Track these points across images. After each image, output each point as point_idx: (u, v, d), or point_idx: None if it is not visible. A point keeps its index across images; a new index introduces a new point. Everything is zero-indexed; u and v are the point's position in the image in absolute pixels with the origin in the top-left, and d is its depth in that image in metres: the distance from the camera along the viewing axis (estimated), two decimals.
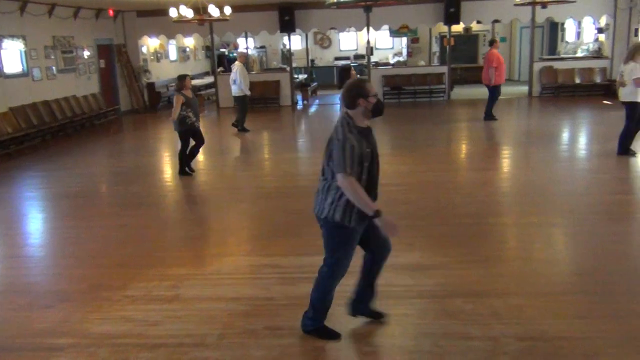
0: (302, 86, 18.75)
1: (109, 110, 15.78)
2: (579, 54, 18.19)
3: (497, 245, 5.67)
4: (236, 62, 13.01)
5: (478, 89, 17.64)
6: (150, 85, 17.86)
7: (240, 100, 12.81)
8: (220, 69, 19.95)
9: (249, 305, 4.43)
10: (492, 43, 13.16)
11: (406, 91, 17.47)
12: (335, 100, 18.52)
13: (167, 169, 10.28)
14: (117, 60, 17.01)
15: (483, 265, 5.03)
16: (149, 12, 16.83)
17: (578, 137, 11.83)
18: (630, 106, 8.56)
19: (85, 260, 5.65)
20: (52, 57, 13.84)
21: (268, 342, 3.87)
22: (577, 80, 16.55)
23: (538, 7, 15.04)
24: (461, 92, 18.48)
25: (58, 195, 8.34)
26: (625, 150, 8.79)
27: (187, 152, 8.91)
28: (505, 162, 9.64)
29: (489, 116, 12.93)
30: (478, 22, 18.25)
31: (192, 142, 8.93)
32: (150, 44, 18.35)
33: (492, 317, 4.05)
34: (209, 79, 20.26)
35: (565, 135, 11.76)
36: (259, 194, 8.07)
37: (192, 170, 9.00)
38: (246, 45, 20.19)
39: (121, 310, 4.46)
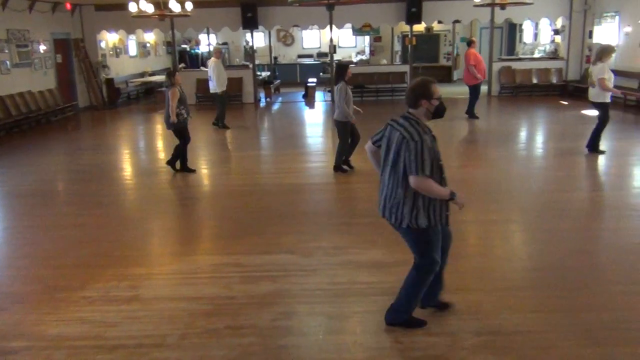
0: (265, 83, 18.66)
1: (66, 106, 15.37)
2: (536, 55, 18.65)
3: (456, 242, 5.68)
4: (211, 59, 12.84)
5: (441, 88, 17.87)
6: (109, 81, 17.48)
7: (217, 97, 12.70)
8: (182, 65, 19.69)
9: (210, 304, 4.39)
10: (470, 43, 13.36)
11: (369, 89, 17.58)
12: (298, 98, 18.53)
13: (127, 166, 10.09)
14: (74, 55, 16.58)
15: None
16: (108, 6, 16.46)
17: (535, 136, 12.13)
18: (600, 105, 8.75)
19: (41, 261, 5.50)
20: (6, 51, 13.39)
21: (229, 342, 3.85)
22: (535, 81, 16.96)
23: (497, 8, 15.33)
24: None
25: (12, 194, 8.09)
26: (594, 148, 9.00)
27: (173, 152, 8.77)
28: (465, 160, 9.80)
29: (471, 114, 13.19)
30: (439, 22, 18.51)
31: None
32: (109, 39, 17.96)
33: (451, 313, 4.12)
34: None
35: (523, 134, 12.03)
36: (221, 191, 8.00)
37: (175, 169, 8.83)
38: (208, 41, 19.97)
39: (78, 311, 4.37)
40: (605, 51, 8.53)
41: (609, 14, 15.38)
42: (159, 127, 13.96)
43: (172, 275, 5.03)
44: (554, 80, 17.07)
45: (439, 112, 3.61)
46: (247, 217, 6.66)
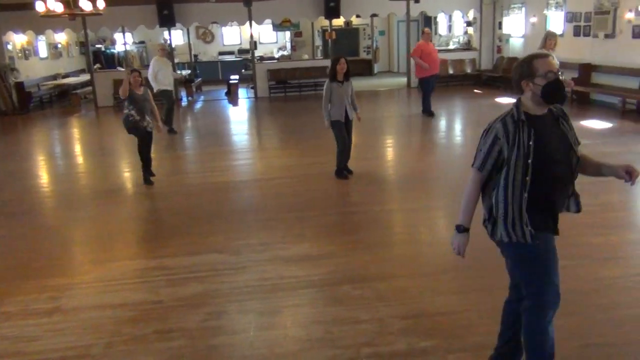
0: (186, 82, 18.30)
1: None
2: (451, 46, 19.32)
3: (382, 231, 5.91)
4: (155, 56, 12.07)
5: (362, 81, 18.23)
6: (19, 85, 16.54)
7: (163, 95, 11.76)
8: (97, 65, 18.96)
9: (136, 310, 4.29)
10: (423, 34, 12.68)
11: (291, 85, 17.62)
12: (221, 96, 18.30)
13: (42, 173, 9.63)
14: None
15: (369, 251, 5.23)
16: (13, 5, 15.55)
17: (454, 125, 12.59)
18: None
19: None
20: None
21: (157, 347, 3.78)
22: (451, 71, 17.56)
23: (412, 2, 15.79)
24: None
25: None
26: None
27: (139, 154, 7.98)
28: (389, 150, 10.04)
29: (428, 111, 12.38)
30: (358, 16, 18.79)
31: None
32: (16, 40, 17.01)
33: (378, 300, 4.23)
34: (85, 77, 19.17)
35: (442, 123, 12.44)
36: (144, 194, 7.79)
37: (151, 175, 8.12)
38: (124, 40, 19.33)
39: None
40: (546, 37, 8.74)
41: (516, 5, 16.17)
42: (76, 131, 13.44)
43: (95, 283, 4.86)
44: (469, 70, 17.76)
45: (548, 93, 2.73)
46: (172, 219, 6.54)
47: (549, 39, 8.81)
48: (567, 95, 2.30)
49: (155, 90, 11.51)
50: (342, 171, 7.70)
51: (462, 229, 3.00)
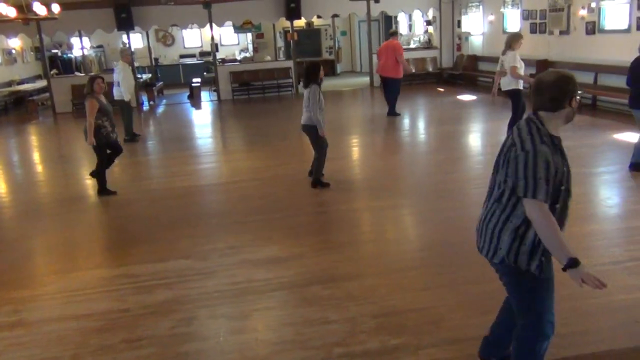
0: (147, 86, 18.02)
1: None
2: (412, 45, 19.53)
3: (349, 230, 5.93)
4: (119, 62, 11.44)
5: (324, 81, 18.22)
6: None
7: (124, 105, 11.20)
8: (54, 71, 18.50)
9: (103, 320, 4.20)
10: (394, 34, 12.62)
11: (255, 87, 17.53)
12: (184, 99, 18.08)
13: (0, 183, 9.34)
14: None
15: (338, 251, 5.24)
16: None
17: (418, 123, 12.72)
18: (512, 93, 8.84)
19: None
20: None
21: (127, 356, 3.71)
22: (413, 70, 17.75)
23: (372, 2, 15.90)
24: None
25: None
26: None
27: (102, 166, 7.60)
28: (354, 150, 10.09)
29: (394, 112, 12.32)
30: (319, 16, 18.81)
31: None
32: None
33: (348, 300, 4.24)
34: (42, 83, 18.68)
35: (406, 122, 12.56)
36: (106, 201, 7.62)
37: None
38: (81, 44, 18.88)
39: None
40: (514, 39, 8.69)
41: (473, 4, 16.47)
42: (34, 139, 13.09)
43: (58, 294, 4.73)
44: (430, 68, 17.99)
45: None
46: (136, 226, 6.42)
47: (518, 39, 8.73)
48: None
49: (127, 98, 11.14)
50: (322, 181, 7.30)
51: (578, 261, 2.54)
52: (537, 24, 13.46)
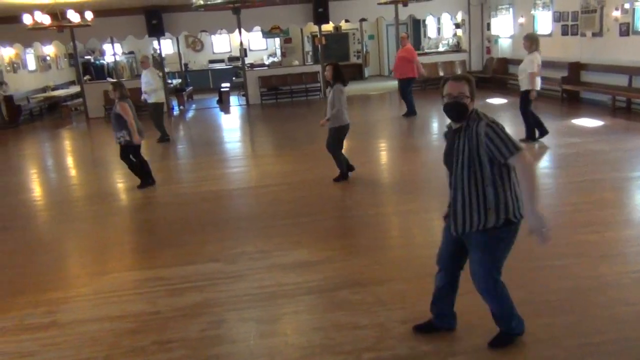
0: (177, 91, 18.27)
1: None
2: (441, 49, 19.40)
3: (377, 234, 5.91)
4: (144, 70, 11.78)
5: (352, 85, 18.19)
6: (8, 99, 16.46)
7: (157, 108, 11.80)
8: (87, 77, 18.89)
9: (135, 322, 4.26)
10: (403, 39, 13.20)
11: (283, 91, 17.63)
12: (213, 104, 18.27)
13: (35, 187, 9.56)
14: None
15: (366, 255, 5.22)
16: (0, 19, 15.51)
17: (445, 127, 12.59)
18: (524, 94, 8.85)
19: None
20: None
21: (157, 358, 3.75)
22: (441, 73, 17.61)
23: (400, 5, 15.82)
24: None
25: None
26: (545, 131, 9.04)
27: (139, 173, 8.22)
28: (382, 154, 10.05)
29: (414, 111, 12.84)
30: (346, 21, 18.85)
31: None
32: (3, 53, 16.93)
33: (378, 304, 4.22)
34: (75, 89, 19.10)
35: (435, 125, 12.47)
36: (138, 205, 7.76)
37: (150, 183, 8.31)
38: (113, 51, 19.26)
39: None
40: (538, 40, 8.75)
41: (503, 6, 16.27)
42: (67, 143, 13.37)
43: (91, 296, 4.82)
44: (459, 71, 17.81)
45: (446, 111, 3.31)
46: (167, 229, 6.50)
47: (524, 41, 8.86)
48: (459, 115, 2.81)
49: (161, 101, 11.81)
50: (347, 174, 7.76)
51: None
52: (569, 25, 13.23)
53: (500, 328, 3.55)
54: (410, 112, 12.80)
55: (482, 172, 3.16)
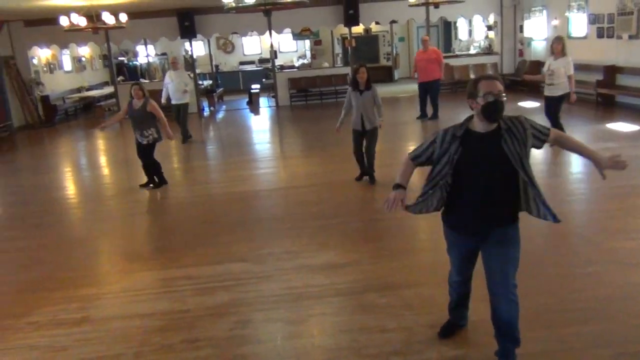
0: (208, 92, 18.47)
1: None
2: (472, 51, 19.20)
3: (406, 238, 5.88)
4: (175, 71, 11.99)
5: (382, 87, 18.16)
6: (45, 99, 16.90)
7: (185, 108, 12.09)
8: (121, 78, 19.24)
9: (164, 319, 4.32)
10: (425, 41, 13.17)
11: (312, 93, 17.67)
12: (243, 105, 18.42)
13: (69, 185, 9.78)
14: (5, 73, 15.94)
15: (394, 259, 5.20)
16: (38, 21, 15.92)
17: None
18: (562, 98, 8.75)
19: None
20: None
21: (186, 356, 3.80)
22: (472, 76, 17.42)
23: (431, 8, 15.72)
24: None
25: None
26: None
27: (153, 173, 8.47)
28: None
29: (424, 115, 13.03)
30: (377, 23, 18.78)
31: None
32: (41, 54, 17.37)
33: (405, 308, 4.20)
34: (109, 89, 19.48)
35: None
36: (168, 205, 7.87)
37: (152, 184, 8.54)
38: (146, 52, 19.59)
39: (25, 338, 4.21)
40: (552, 43, 8.73)
41: (536, 9, 16.02)
42: (101, 143, 13.63)
43: (122, 293, 4.91)
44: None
45: (486, 112, 3.07)
46: (196, 229, 6.58)
47: (554, 44, 8.73)
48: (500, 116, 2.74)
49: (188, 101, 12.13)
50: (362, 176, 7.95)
51: (397, 186, 3.34)
52: (605, 28, 12.94)
53: (504, 344, 3.36)
54: (434, 115, 12.90)
55: (528, 167, 3.13)
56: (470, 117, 3.19)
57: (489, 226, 3.23)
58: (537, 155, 9.01)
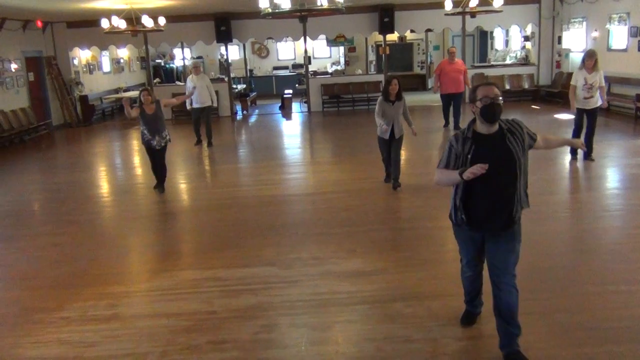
0: (241, 96, 18.67)
1: (39, 124, 15.18)
2: (508, 61, 18.95)
3: (434, 248, 5.82)
4: (198, 75, 12.18)
5: (415, 96, 18.10)
6: (83, 98, 17.32)
7: (208, 111, 12.41)
8: (157, 79, 19.58)
9: (191, 320, 4.37)
10: (451, 53, 13.18)
11: (345, 99, 17.69)
12: (275, 110, 18.55)
13: (103, 184, 9.99)
14: (47, 73, 16.40)
15: (422, 268, 5.15)
16: (80, 23, 16.35)
17: None
18: (596, 111, 8.79)
19: (16, 283, 5.42)
20: None
21: (211, 357, 3.83)
22: (507, 87, 17.22)
23: (468, 17, 15.58)
24: None
25: None
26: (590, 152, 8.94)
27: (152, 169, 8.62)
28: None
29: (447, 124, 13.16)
30: (412, 31, 18.73)
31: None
32: (81, 55, 17.81)
33: (431, 319, 4.16)
34: None
35: None
36: (199, 206, 7.96)
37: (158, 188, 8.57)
38: (182, 55, 19.91)
39: (56, 332, 4.31)
40: (583, 59, 8.65)
41: (576, 20, 15.73)
42: (135, 143, 13.87)
43: (151, 292, 4.99)
44: (526, 85, 17.36)
45: (485, 113, 3.35)
46: (225, 231, 6.64)
47: (586, 59, 8.57)
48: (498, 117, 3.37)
49: (215, 104, 12.52)
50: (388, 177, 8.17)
51: (462, 171, 3.36)
52: None
53: (507, 329, 3.57)
54: (456, 126, 12.88)
55: (526, 164, 3.48)
56: (473, 121, 3.46)
57: (497, 220, 3.48)
58: (577, 169, 8.84)
